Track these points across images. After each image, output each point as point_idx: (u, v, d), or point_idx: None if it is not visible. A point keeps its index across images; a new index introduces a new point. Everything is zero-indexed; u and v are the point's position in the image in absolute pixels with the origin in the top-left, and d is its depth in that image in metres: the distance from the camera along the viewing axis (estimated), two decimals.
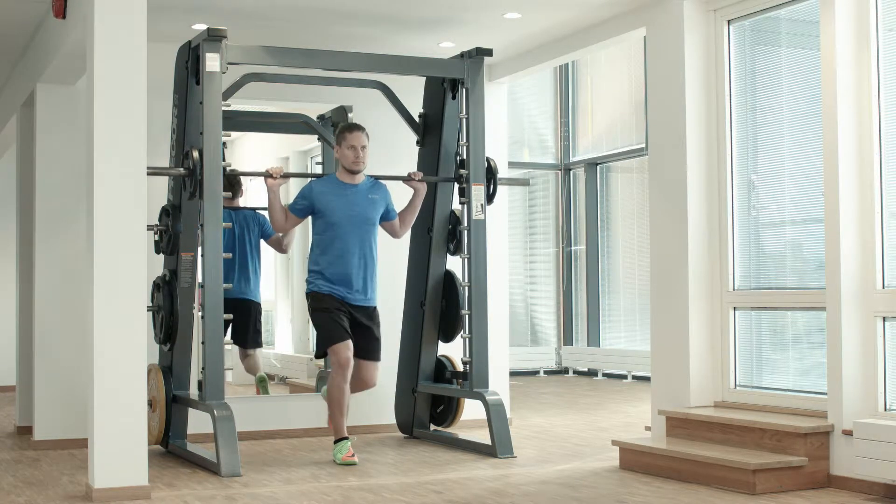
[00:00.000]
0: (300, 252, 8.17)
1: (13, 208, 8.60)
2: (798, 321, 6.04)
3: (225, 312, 6.19)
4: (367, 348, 6.53)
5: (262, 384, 7.75)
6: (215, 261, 6.17)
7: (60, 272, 7.21)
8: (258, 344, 7.80)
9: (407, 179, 6.78)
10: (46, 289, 7.23)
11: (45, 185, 7.26)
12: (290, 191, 7.71)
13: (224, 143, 6.27)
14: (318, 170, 8.26)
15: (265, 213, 7.01)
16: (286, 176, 6.58)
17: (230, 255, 6.62)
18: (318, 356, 6.63)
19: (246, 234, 7.59)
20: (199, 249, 6.27)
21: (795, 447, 5.40)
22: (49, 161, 7.25)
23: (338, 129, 6.58)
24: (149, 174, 5.59)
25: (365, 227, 6.46)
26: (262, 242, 7.69)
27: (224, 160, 6.26)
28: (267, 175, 6.45)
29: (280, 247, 7.66)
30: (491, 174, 6.97)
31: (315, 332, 6.54)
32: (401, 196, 6.87)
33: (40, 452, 6.93)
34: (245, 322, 7.66)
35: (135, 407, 5.37)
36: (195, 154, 6.15)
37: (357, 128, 6.48)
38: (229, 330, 7.28)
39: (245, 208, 7.67)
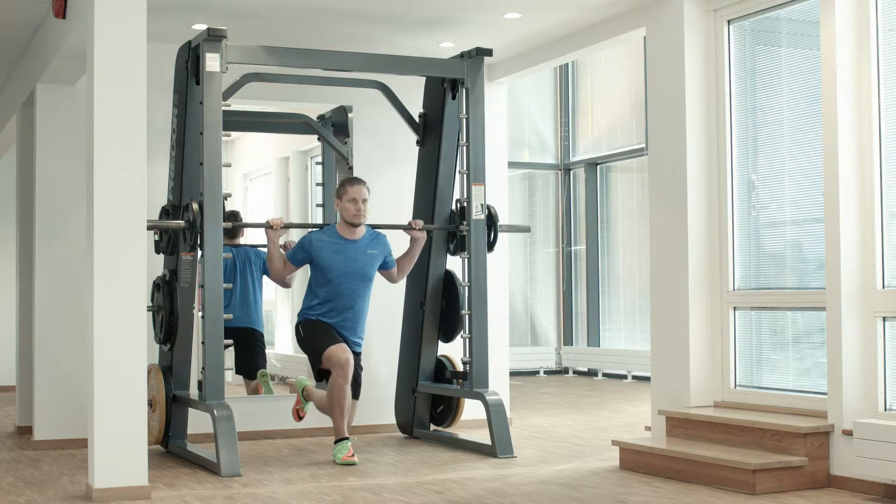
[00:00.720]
0: (301, 272, 8.18)
1: (13, 208, 8.60)
2: (798, 321, 6.04)
3: (228, 340, 6.21)
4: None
5: (264, 378, 7.75)
6: (215, 260, 6.17)
7: (60, 272, 7.21)
8: (263, 367, 7.81)
9: (407, 229, 6.80)
10: (46, 289, 7.23)
11: (45, 185, 7.26)
12: (292, 200, 7.71)
13: (225, 197, 6.29)
14: (318, 169, 8.26)
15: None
16: (286, 226, 6.63)
17: (230, 285, 6.66)
18: (318, 379, 6.62)
19: (248, 266, 7.61)
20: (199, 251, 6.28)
21: (795, 447, 5.40)
22: (49, 161, 7.25)
23: (339, 182, 6.64)
24: (149, 228, 5.62)
25: (361, 283, 6.53)
26: (265, 277, 7.69)
27: (226, 199, 6.27)
28: (267, 226, 6.49)
29: (283, 282, 7.67)
30: (491, 221, 6.97)
31: (308, 356, 6.53)
32: (401, 241, 6.88)
33: (40, 452, 6.93)
34: (249, 353, 7.68)
35: (135, 407, 5.36)
36: (195, 206, 6.16)
37: (357, 181, 6.52)
38: (231, 358, 7.30)
39: (246, 245, 7.68)
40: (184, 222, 6.26)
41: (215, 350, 6.17)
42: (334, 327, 6.49)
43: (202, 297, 6.18)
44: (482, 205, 6.87)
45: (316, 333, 6.45)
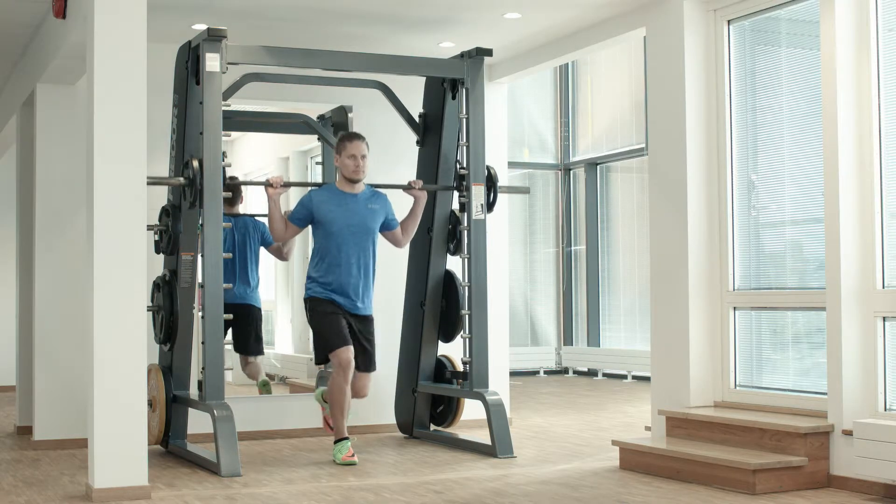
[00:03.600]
0: (300, 253, 8.16)
1: (13, 208, 8.60)
2: (798, 321, 6.04)
3: (228, 316, 6.20)
4: (362, 360, 6.52)
5: (266, 388, 7.75)
6: (215, 261, 6.18)
7: (60, 272, 7.21)
8: (260, 352, 7.79)
9: (407, 188, 6.77)
10: (46, 288, 7.23)
11: (45, 185, 7.26)
12: (290, 200, 7.70)
13: (224, 154, 6.26)
14: (318, 170, 8.26)
15: (265, 221, 7.01)
16: (286, 185, 6.58)
17: (230, 255, 6.62)
18: (317, 362, 6.60)
19: (247, 239, 7.59)
20: (200, 249, 6.27)
21: (795, 447, 5.40)
22: (49, 161, 7.25)
23: (338, 138, 6.58)
24: (148, 184, 5.60)
25: (364, 237, 6.46)
26: (263, 250, 7.68)
27: (225, 157, 6.26)
28: (267, 184, 6.46)
29: (281, 254, 7.67)
30: (491, 182, 6.97)
31: (313, 338, 6.53)
32: (401, 205, 6.86)
33: (40, 452, 6.93)
34: (247, 328, 7.66)
35: (135, 407, 5.36)
36: (195, 163, 6.15)
37: (357, 137, 6.48)
38: (229, 333, 7.28)
39: (245, 215, 7.66)
40: (183, 179, 6.23)
41: (215, 350, 6.16)
42: (341, 304, 6.40)
43: (202, 271, 6.15)
44: (482, 205, 6.87)
45: (323, 321, 6.38)
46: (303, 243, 8.03)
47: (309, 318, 6.51)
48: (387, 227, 6.62)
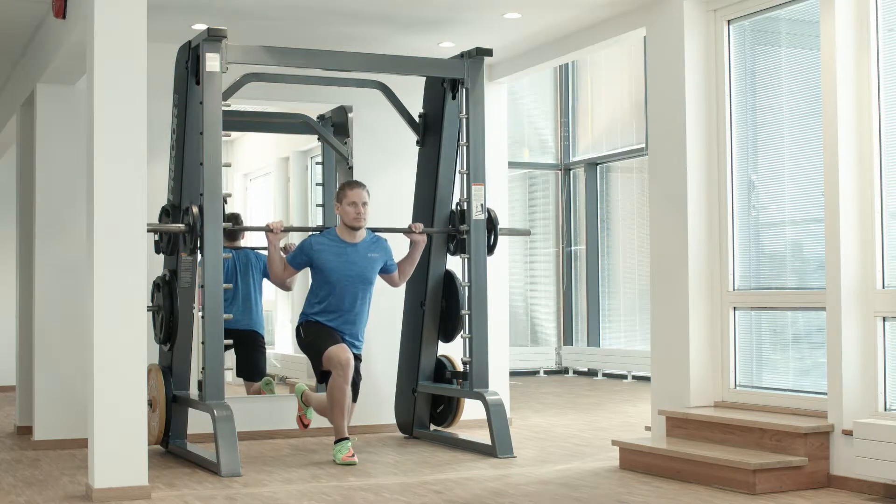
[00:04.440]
0: (302, 274, 8.17)
1: (13, 208, 8.60)
2: (798, 321, 6.04)
3: (229, 341, 6.21)
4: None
5: (268, 387, 7.75)
6: (215, 261, 6.17)
7: (60, 272, 7.21)
8: (262, 376, 7.82)
9: (407, 232, 6.80)
10: (46, 289, 7.23)
11: (45, 185, 7.26)
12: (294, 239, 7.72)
13: (225, 199, 6.28)
14: (318, 169, 8.25)
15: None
16: (286, 230, 6.62)
17: (230, 285, 6.68)
18: (320, 381, 6.61)
19: (249, 269, 7.61)
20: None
21: (795, 447, 5.40)
22: (49, 161, 7.25)
23: (339, 186, 6.63)
24: (149, 230, 5.62)
25: (362, 287, 6.53)
26: (266, 280, 7.69)
27: (226, 200, 6.28)
28: (267, 229, 6.48)
29: (283, 285, 7.67)
30: (491, 225, 6.97)
31: (309, 356, 6.53)
32: (401, 245, 6.88)
33: (40, 452, 6.93)
34: (251, 355, 7.68)
35: (135, 407, 5.36)
36: (195, 210, 6.16)
37: (357, 184, 6.52)
38: (231, 359, 7.30)
39: (247, 248, 7.68)
40: (184, 226, 6.25)
41: (215, 350, 6.17)
42: (335, 329, 6.49)
43: (202, 298, 6.18)
44: (482, 205, 6.87)
45: (316, 335, 6.45)
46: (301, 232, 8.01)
47: (301, 340, 6.54)
48: (385, 271, 6.69)
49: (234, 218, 7.29)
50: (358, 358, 6.58)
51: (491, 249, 7.00)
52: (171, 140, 6.64)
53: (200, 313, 6.29)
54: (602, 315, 12.71)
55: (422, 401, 7.30)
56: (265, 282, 7.68)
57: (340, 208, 6.51)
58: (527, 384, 11.61)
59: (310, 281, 6.66)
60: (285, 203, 8.80)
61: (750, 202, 6.23)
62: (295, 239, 7.53)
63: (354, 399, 6.59)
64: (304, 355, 6.71)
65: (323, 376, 6.49)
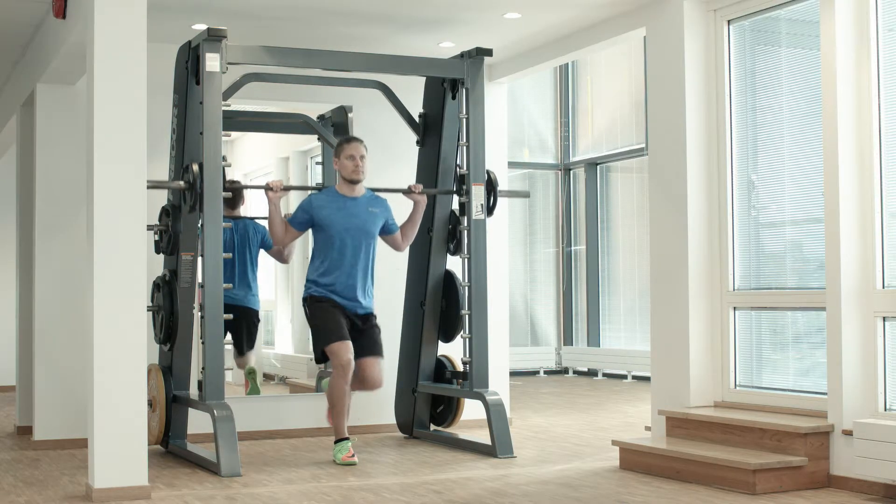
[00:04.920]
0: (300, 254, 8.15)
1: (13, 208, 8.60)
2: (798, 321, 6.04)
3: (229, 316, 6.21)
4: (368, 345, 6.49)
5: (252, 376, 7.73)
6: (215, 261, 6.17)
7: (60, 272, 7.21)
8: (252, 347, 7.80)
9: (407, 192, 6.78)
10: (46, 289, 7.23)
11: (45, 184, 7.26)
12: (290, 204, 7.71)
13: (224, 157, 6.26)
14: (318, 169, 8.26)
15: (265, 224, 7.00)
16: (286, 189, 6.60)
17: (230, 254, 6.62)
18: (318, 361, 6.60)
19: (246, 243, 7.59)
20: (200, 250, 6.27)
21: (795, 447, 5.40)
22: (49, 161, 7.25)
23: (336, 143, 6.60)
24: (148, 188, 5.60)
25: (364, 240, 6.48)
26: (263, 253, 7.68)
27: (224, 160, 6.26)
28: (267, 188, 6.47)
29: (281, 257, 7.67)
30: (491, 186, 6.97)
31: (312, 335, 6.53)
32: (400, 210, 6.86)
33: (40, 452, 6.93)
34: (242, 330, 7.67)
35: (135, 407, 5.36)
36: (195, 167, 6.15)
37: (355, 139, 6.52)
38: (228, 334, 7.29)
39: (246, 218, 7.67)
40: (184, 183, 6.24)
41: (215, 350, 6.16)
42: (341, 304, 6.40)
43: (202, 271, 6.15)
44: (482, 205, 6.87)
45: (322, 319, 6.38)
46: (303, 246, 8.03)
47: (308, 317, 6.51)
48: (387, 231, 6.64)
49: (233, 184, 7.17)
50: (369, 318, 6.51)
51: (490, 210, 6.99)
52: (171, 140, 6.64)
53: (200, 313, 6.28)
54: (602, 315, 12.71)
55: (422, 401, 7.30)
56: (261, 259, 7.65)
57: (339, 163, 6.49)
58: (527, 384, 11.61)
59: (309, 256, 6.61)
60: (285, 203, 8.80)
61: (750, 202, 6.23)
62: (294, 203, 7.48)
63: (377, 351, 6.49)
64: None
65: (322, 356, 6.47)
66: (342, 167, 6.48)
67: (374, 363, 6.52)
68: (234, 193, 7.29)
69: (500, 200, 7.46)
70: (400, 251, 6.86)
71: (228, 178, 6.49)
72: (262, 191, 6.54)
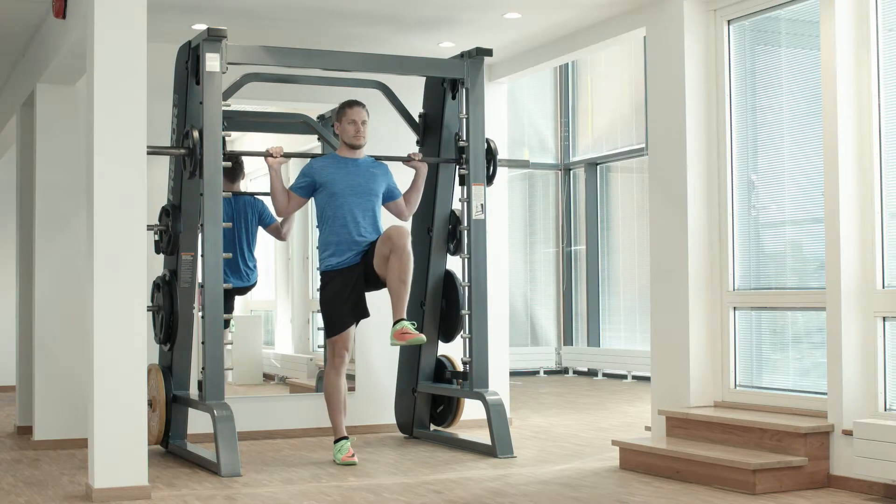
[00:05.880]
0: (300, 252, 8.15)
1: (13, 208, 8.60)
2: (798, 321, 6.04)
3: (228, 285, 6.21)
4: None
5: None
6: (215, 260, 6.17)
7: (60, 272, 7.21)
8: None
9: (407, 160, 6.78)
10: (46, 289, 7.23)
11: (45, 185, 7.26)
12: (290, 176, 7.70)
13: (224, 123, 6.24)
14: None
15: (265, 199, 6.97)
16: (287, 155, 6.56)
17: (230, 224, 6.62)
18: (327, 336, 6.54)
19: (242, 223, 7.54)
20: (200, 248, 6.26)
21: (795, 447, 5.40)
22: (49, 161, 7.25)
23: (338, 106, 6.58)
24: (149, 153, 5.58)
25: (367, 198, 6.44)
26: (261, 230, 7.65)
27: (225, 128, 6.24)
28: (267, 154, 6.44)
29: (279, 234, 7.63)
30: (491, 155, 6.96)
31: (321, 312, 6.52)
32: (403, 177, 6.87)
33: (40, 452, 6.93)
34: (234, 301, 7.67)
35: (135, 407, 5.37)
36: (195, 133, 6.14)
37: (357, 103, 6.50)
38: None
39: (245, 193, 7.64)
40: (184, 150, 6.22)
41: (215, 350, 6.16)
42: (354, 258, 6.33)
43: (202, 270, 6.14)
44: (482, 205, 6.87)
45: (330, 305, 6.38)
46: (301, 230, 8.00)
47: (321, 293, 6.49)
48: (389, 197, 6.61)
49: (233, 154, 7.09)
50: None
51: (490, 179, 6.97)
52: (171, 140, 6.64)
53: (200, 313, 6.29)
54: (602, 315, 12.71)
55: (422, 401, 7.30)
56: (259, 239, 7.63)
57: (340, 127, 6.48)
58: (527, 384, 11.61)
59: (310, 249, 6.59)
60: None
61: (750, 202, 6.23)
62: (294, 171, 7.45)
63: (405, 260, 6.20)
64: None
65: (329, 332, 6.46)
66: (343, 131, 6.47)
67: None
68: (234, 166, 7.24)
69: (500, 200, 7.50)
70: (404, 219, 6.80)
71: (228, 149, 6.45)
72: (263, 161, 6.50)
